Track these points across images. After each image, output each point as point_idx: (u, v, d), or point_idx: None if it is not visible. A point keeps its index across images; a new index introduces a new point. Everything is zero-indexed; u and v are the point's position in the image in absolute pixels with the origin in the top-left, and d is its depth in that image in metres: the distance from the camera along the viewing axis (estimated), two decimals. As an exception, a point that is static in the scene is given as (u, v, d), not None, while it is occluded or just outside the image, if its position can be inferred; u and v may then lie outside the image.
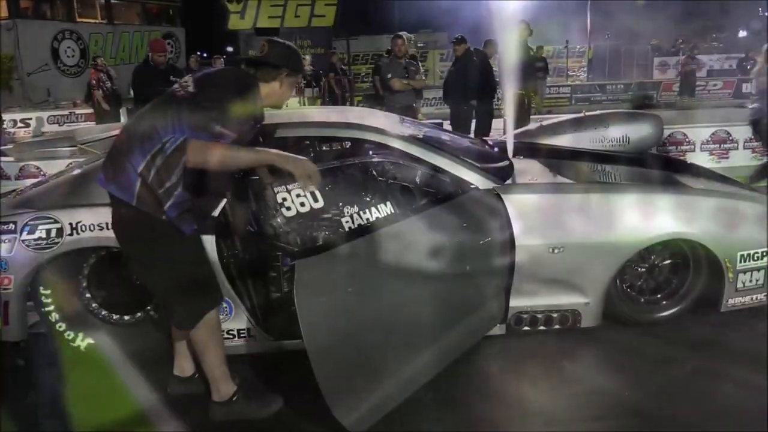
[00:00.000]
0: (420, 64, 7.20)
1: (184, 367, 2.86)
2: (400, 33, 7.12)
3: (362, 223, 2.92)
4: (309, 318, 2.36)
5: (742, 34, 26.86)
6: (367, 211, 2.93)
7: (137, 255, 2.52)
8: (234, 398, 2.66)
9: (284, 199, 2.78)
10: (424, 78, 7.23)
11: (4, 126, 10.35)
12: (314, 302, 2.42)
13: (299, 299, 2.36)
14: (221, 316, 3.01)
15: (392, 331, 2.62)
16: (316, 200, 2.94)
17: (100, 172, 2.46)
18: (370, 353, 2.56)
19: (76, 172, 3.41)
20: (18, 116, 14.74)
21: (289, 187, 2.86)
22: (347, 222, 2.94)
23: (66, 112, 15.77)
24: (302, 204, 2.87)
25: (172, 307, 2.58)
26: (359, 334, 2.50)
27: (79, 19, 22.90)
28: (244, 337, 3.09)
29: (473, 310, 3.01)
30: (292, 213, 2.87)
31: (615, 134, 4.10)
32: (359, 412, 2.47)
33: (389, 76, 6.84)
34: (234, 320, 3.06)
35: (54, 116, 15.65)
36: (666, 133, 6.57)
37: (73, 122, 15.11)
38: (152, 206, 2.33)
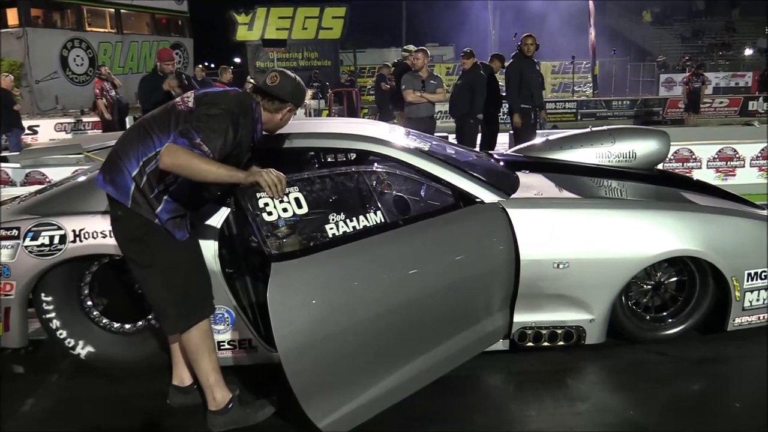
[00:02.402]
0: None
1: (183, 377, 2.84)
2: (423, 47, 7.27)
3: (358, 232, 2.90)
4: (281, 317, 2.38)
5: (749, 52, 26.93)
6: (367, 220, 2.91)
7: (133, 256, 2.53)
8: (230, 405, 2.65)
9: (266, 204, 2.78)
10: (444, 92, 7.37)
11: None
12: (289, 302, 2.44)
13: (272, 298, 2.38)
14: (222, 326, 3.00)
15: (376, 338, 2.62)
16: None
17: (99, 173, 2.53)
18: (349, 358, 2.56)
19: (81, 179, 3.41)
20: (26, 123, 14.82)
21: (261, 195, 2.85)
22: (339, 229, 2.91)
23: (73, 120, 15.88)
24: (284, 210, 2.85)
25: (165, 310, 2.58)
26: (337, 338, 2.50)
27: (88, 29, 23.13)
28: (245, 348, 3.06)
29: (470, 324, 2.98)
30: (273, 218, 2.84)
31: (621, 150, 4.08)
32: (336, 415, 2.49)
33: (403, 87, 6.93)
34: (235, 331, 3.03)
35: (61, 124, 15.76)
36: (672, 149, 6.55)
37: (80, 130, 15.21)
38: (145, 210, 2.43)
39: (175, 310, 2.54)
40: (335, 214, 2.80)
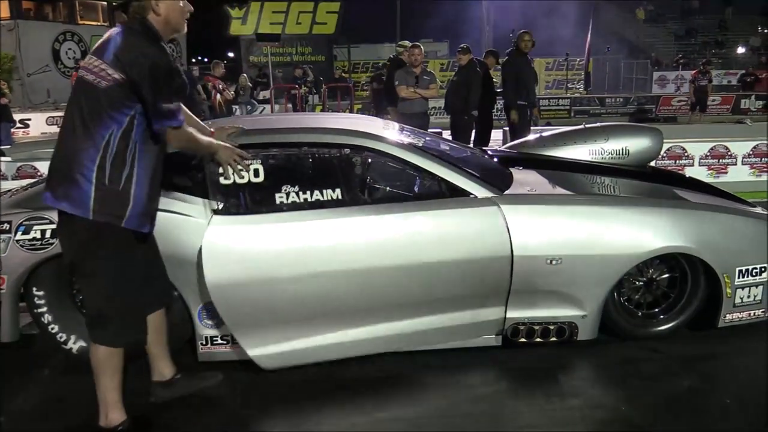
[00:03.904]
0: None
1: (163, 371, 2.81)
2: (417, 43, 7.28)
3: (312, 204, 2.99)
4: (214, 257, 2.70)
5: (741, 50, 27.03)
6: (322, 195, 2.99)
7: (80, 261, 2.42)
8: (120, 428, 2.54)
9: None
10: (437, 87, 7.35)
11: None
12: (224, 248, 2.73)
13: (207, 241, 2.70)
14: (217, 321, 2.98)
15: (321, 294, 2.85)
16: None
17: (46, 191, 2.40)
18: (288, 305, 2.82)
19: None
20: (17, 116, 14.73)
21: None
22: (288, 199, 3.01)
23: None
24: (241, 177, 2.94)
25: (105, 319, 2.45)
26: (273, 284, 2.77)
27: (80, 21, 22.96)
28: (239, 343, 3.05)
29: (449, 310, 3.04)
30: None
31: (614, 147, 4.09)
32: (270, 350, 2.84)
33: (397, 83, 6.93)
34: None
35: (53, 117, 15.66)
36: (665, 147, 6.57)
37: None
38: (112, 212, 2.33)
39: (116, 323, 2.44)
40: (291, 186, 2.93)
